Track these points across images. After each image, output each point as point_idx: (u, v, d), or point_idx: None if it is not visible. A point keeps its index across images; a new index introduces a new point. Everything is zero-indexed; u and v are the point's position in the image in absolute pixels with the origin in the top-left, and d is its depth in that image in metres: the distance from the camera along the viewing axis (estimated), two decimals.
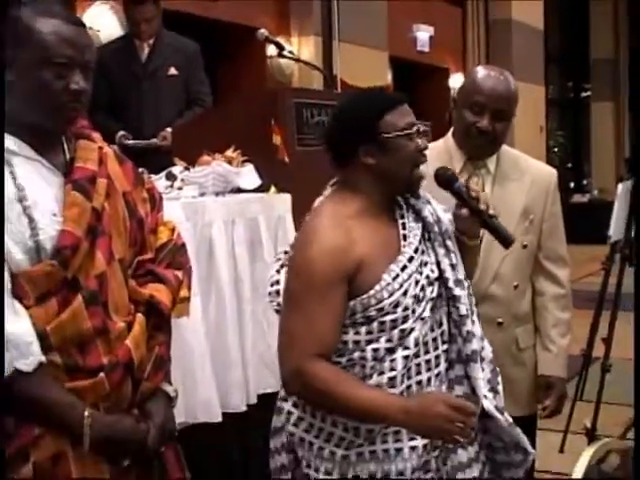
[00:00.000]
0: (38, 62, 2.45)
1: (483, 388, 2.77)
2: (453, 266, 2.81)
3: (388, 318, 2.67)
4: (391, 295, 2.66)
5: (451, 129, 3.59)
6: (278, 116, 4.78)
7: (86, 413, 2.44)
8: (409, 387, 2.72)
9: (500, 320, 3.39)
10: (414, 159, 2.76)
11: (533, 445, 3.87)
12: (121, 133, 5.62)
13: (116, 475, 2.52)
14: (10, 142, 2.49)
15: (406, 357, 2.68)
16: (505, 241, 2.85)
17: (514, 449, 2.92)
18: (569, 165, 20.13)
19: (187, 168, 4.35)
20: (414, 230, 2.80)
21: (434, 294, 2.75)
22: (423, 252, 2.78)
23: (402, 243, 2.76)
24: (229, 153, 4.55)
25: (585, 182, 20.30)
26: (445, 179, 2.88)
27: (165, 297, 2.68)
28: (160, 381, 2.68)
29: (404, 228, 2.80)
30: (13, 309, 2.40)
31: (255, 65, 10.08)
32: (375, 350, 2.69)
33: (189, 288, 2.83)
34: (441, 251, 2.81)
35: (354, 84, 10.18)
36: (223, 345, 4.12)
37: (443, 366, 2.78)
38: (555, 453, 5.69)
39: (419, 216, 2.85)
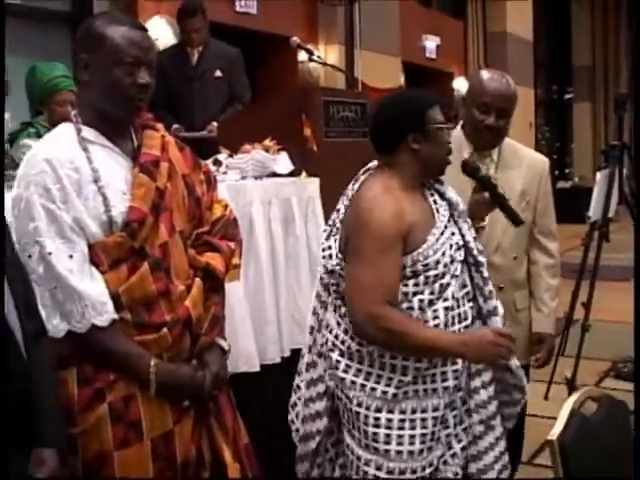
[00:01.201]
0: (111, 62, 2.46)
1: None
2: (475, 238, 2.90)
3: (431, 273, 2.74)
4: (435, 253, 2.73)
5: (460, 123, 3.59)
6: (309, 112, 4.77)
7: (152, 362, 2.47)
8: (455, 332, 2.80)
9: (501, 285, 3.40)
10: (447, 148, 2.85)
11: None
12: (175, 126, 5.61)
13: (178, 414, 2.54)
14: (88, 132, 2.51)
15: (446, 308, 2.76)
16: (516, 221, 3.02)
17: (516, 389, 3.01)
18: (554, 156, 19.98)
19: (231, 155, 4.36)
20: (442, 207, 2.87)
21: (461, 257, 2.82)
22: (450, 224, 2.85)
23: (436, 215, 2.83)
24: (266, 143, 4.55)
25: (567, 171, 20.20)
26: (472, 168, 3.03)
27: (220, 264, 2.68)
28: (216, 336, 2.69)
29: (435, 203, 2.87)
30: (90, 274, 2.43)
31: (288, 69, 10.05)
32: (421, 301, 2.75)
33: (240, 257, 2.83)
34: (465, 225, 2.89)
35: (372, 85, 10.20)
36: (261, 306, 4.14)
37: (469, 320, 2.83)
38: (541, 400, 5.70)
39: (443, 197, 2.91)
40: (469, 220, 2.94)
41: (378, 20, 10.99)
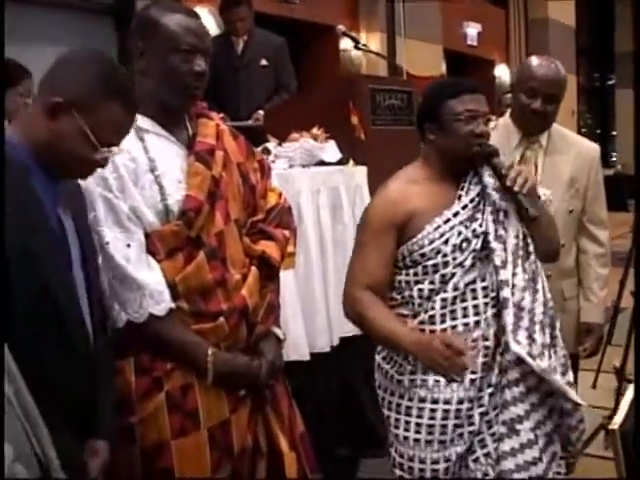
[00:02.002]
0: (167, 50, 2.45)
1: (511, 333, 2.65)
2: (496, 222, 2.73)
3: (430, 262, 2.69)
4: (431, 243, 2.68)
5: (509, 110, 3.57)
6: (355, 100, 4.76)
7: (209, 351, 2.46)
8: (454, 327, 2.70)
9: (549, 273, 3.33)
10: (467, 140, 2.71)
11: (575, 380, 3.88)
12: (220, 116, 5.61)
13: (234, 403, 2.54)
14: (143, 121, 2.50)
15: (444, 299, 2.69)
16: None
17: (561, 396, 2.77)
18: (596, 143, 19.87)
19: (279, 144, 4.35)
20: (471, 192, 2.77)
21: (478, 246, 2.71)
22: (476, 208, 2.75)
23: (455, 203, 2.74)
24: (314, 131, 4.53)
25: (610, 158, 20.02)
26: (486, 153, 2.76)
27: (275, 252, 2.67)
28: (271, 324, 2.68)
29: (462, 190, 2.78)
30: (147, 263, 2.42)
31: (330, 57, 10.06)
32: (420, 290, 2.72)
33: (294, 245, 2.82)
34: (488, 209, 2.75)
35: (414, 73, 10.14)
36: (310, 294, 4.12)
37: (490, 312, 2.71)
38: (588, 389, 5.64)
39: (480, 181, 2.80)
40: (504, 205, 2.74)
41: (419, 8, 10.93)
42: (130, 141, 2.44)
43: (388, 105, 5.14)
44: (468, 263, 2.69)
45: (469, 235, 2.70)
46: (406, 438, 2.76)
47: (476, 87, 2.80)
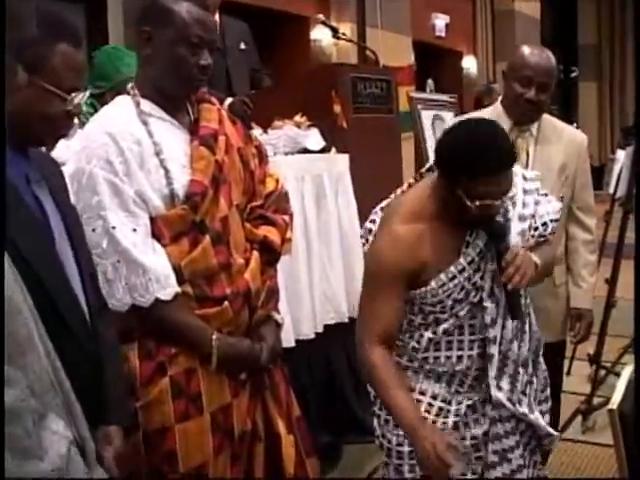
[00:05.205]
0: (176, 40, 2.43)
1: (494, 379, 2.67)
2: (494, 278, 2.62)
3: (428, 309, 2.63)
4: (434, 296, 2.58)
5: (500, 97, 3.59)
6: (338, 88, 4.78)
7: (214, 336, 2.46)
8: (437, 358, 2.68)
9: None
10: (477, 215, 2.48)
11: (561, 367, 3.93)
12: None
13: (235, 388, 2.54)
14: (146, 105, 2.49)
15: (430, 339, 2.65)
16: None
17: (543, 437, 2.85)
18: None
19: (265, 131, 4.34)
20: (478, 240, 2.60)
21: (476, 299, 2.64)
22: (481, 259, 2.61)
23: (463, 250, 2.60)
24: (297, 119, 4.54)
25: None
26: (493, 235, 2.60)
27: (276, 237, 2.67)
28: (272, 309, 2.69)
29: (470, 236, 2.61)
30: (153, 248, 2.41)
31: (300, 47, 10.03)
32: (411, 321, 2.68)
33: (292, 231, 2.81)
34: (489, 266, 2.62)
35: (385, 64, 10.15)
36: (295, 282, 4.13)
37: (476, 351, 2.69)
38: (563, 375, 5.69)
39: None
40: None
41: None
42: (134, 124, 2.43)
43: (368, 94, 5.16)
44: (463, 313, 2.64)
45: (469, 288, 2.62)
46: (387, 421, 2.76)
47: (509, 162, 2.49)
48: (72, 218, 2.16)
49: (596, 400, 5.11)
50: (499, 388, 2.70)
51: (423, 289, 2.58)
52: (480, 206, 2.45)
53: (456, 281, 2.58)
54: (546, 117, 3.56)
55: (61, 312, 1.96)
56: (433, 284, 2.57)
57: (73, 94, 1.98)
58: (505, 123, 3.45)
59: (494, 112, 3.53)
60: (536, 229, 2.74)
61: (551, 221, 2.79)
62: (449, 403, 2.72)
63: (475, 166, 2.42)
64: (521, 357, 2.75)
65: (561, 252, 3.61)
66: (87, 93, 2.05)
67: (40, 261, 1.91)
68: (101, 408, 2.10)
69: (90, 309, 2.12)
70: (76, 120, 2.21)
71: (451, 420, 2.71)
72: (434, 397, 2.70)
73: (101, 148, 2.37)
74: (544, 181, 3.18)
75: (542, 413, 2.85)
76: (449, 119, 6.83)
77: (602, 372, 5.50)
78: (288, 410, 2.74)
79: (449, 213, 2.56)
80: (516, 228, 2.68)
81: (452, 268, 2.57)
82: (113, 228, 2.35)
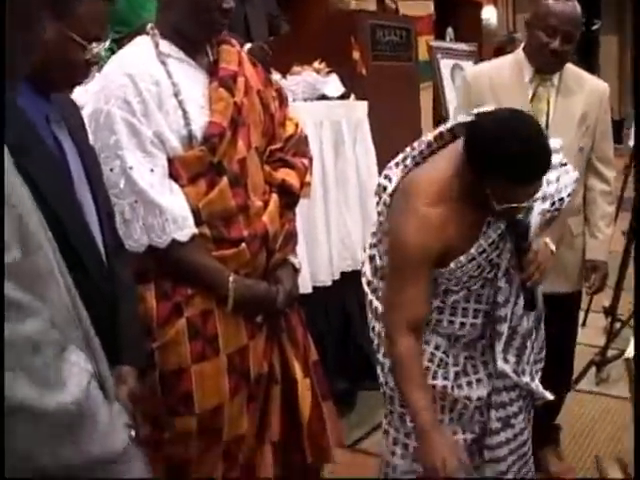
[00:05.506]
0: None
1: (502, 353, 2.68)
2: (511, 258, 2.60)
3: (443, 285, 2.60)
4: (451, 274, 2.54)
5: (522, 44, 3.54)
6: (357, 35, 4.74)
7: (231, 278, 2.45)
8: (440, 321, 2.66)
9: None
10: (504, 214, 2.45)
11: (577, 317, 3.93)
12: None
13: (251, 330, 2.55)
14: (165, 46, 2.46)
15: (438, 306, 2.64)
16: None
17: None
18: None
19: (284, 77, 4.31)
20: (499, 220, 2.53)
21: (490, 275, 2.62)
22: (502, 238, 2.56)
23: (484, 230, 2.53)
24: (316, 65, 4.50)
25: None
26: (516, 232, 2.57)
27: (295, 180, 2.66)
28: (289, 252, 2.69)
29: (493, 214, 2.51)
30: (170, 188, 2.39)
31: None
32: None
33: (311, 174, 2.79)
34: (508, 245, 2.60)
35: (404, 13, 10.05)
36: (313, 228, 4.13)
37: (480, 320, 2.69)
38: (578, 327, 5.69)
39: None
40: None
41: None
42: (152, 65, 2.41)
43: (388, 41, 5.12)
44: (475, 288, 2.64)
45: (485, 264, 2.59)
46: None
47: (546, 169, 2.39)
48: (90, 158, 2.15)
49: (610, 352, 5.12)
50: (505, 360, 2.72)
51: (442, 269, 2.54)
52: (506, 209, 2.40)
53: (475, 262, 2.55)
54: (569, 66, 3.50)
55: (78, 251, 1.95)
56: (452, 265, 2.52)
57: (94, 44, 1.98)
58: (527, 69, 3.43)
59: (516, 59, 3.49)
60: (553, 204, 2.71)
61: (568, 195, 2.75)
62: (450, 356, 2.73)
63: (512, 174, 2.32)
64: (528, 332, 2.76)
65: (579, 203, 3.58)
66: (107, 43, 2.05)
67: (58, 199, 1.90)
68: (116, 349, 2.08)
69: (107, 249, 2.12)
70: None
71: (452, 370, 2.72)
72: (437, 347, 2.70)
73: (119, 89, 2.36)
74: (564, 131, 3.15)
75: (536, 372, 2.87)
76: (468, 68, 6.76)
77: (617, 325, 5.49)
78: (305, 354, 2.75)
79: (473, 198, 2.46)
80: (537, 208, 2.64)
81: (472, 250, 2.52)
82: (130, 168, 2.34)
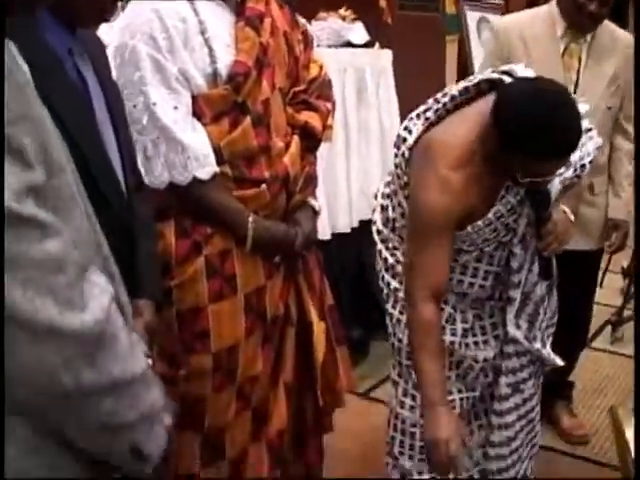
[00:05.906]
0: None
1: (514, 318, 2.68)
2: (528, 224, 2.58)
3: (456, 246, 2.56)
4: (467, 235, 2.52)
5: None
6: None
7: (250, 218, 2.45)
8: (450, 279, 2.62)
9: None
10: (527, 184, 2.41)
11: (596, 275, 3.92)
12: None
13: (269, 270, 2.56)
14: None
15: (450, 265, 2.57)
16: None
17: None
18: None
19: (309, 22, 4.28)
20: (517, 187, 2.49)
21: (505, 239, 2.61)
22: (520, 203, 2.53)
23: (502, 194, 2.50)
24: (342, 12, 4.48)
25: None
26: (542, 201, 2.53)
27: (317, 123, 2.65)
28: (309, 195, 2.68)
29: (514, 182, 2.48)
30: (193, 126, 2.38)
31: None
32: None
33: (333, 118, 2.78)
34: (526, 210, 2.56)
35: None
36: (333, 175, 4.13)
37: (490, 282, 2.69)
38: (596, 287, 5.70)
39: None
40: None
41: None
42: (179, 2, 2.39)
43: None
44: (488, 249, 2.62)
45: (501, 228, 2.55)
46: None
47: (577, 145, 2.33)
48: (113, 94, 2.14)
49: (626, 313, 5.13)
50: (517, 326, 2.71)
51: (459, 233, 2.51)
52: (531, 182, 2.38)
53: (492, 226, 2.52)
54: (604, 24, 3.45)
55: (98, 180, 1.94)
56: (469, 229, 2.51)
57: None
58: (560, 24, 3.39)
59: (549, 12, 3.45)
60: (575, 170, 2.67)
61: (590, 162, 2.71)
62: (458, 311, 2.74)
63: (542, 151, 2.27)
64: (541, 299, 2.75)
65: (604, 162, 3.56)
66: None
67: (80, 129, 1.89)
68: (134, 282, 2.08)
69: (127, 185, 2.11)
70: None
71: (460, 327, 2.73)
72: (445, 302, 2.69)
73: (145, 24, 2.34)
74: (593, 90, 3.12)
75: (547, 337, 2.87)
76: (495, 21, 6.69)
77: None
78: (321, 297, 2.76)
79: (494, 163, 2.42)
80: (559, 177, 2.61)
81: (490, 215, 2.49)
82: (154, 104, 2.32)
